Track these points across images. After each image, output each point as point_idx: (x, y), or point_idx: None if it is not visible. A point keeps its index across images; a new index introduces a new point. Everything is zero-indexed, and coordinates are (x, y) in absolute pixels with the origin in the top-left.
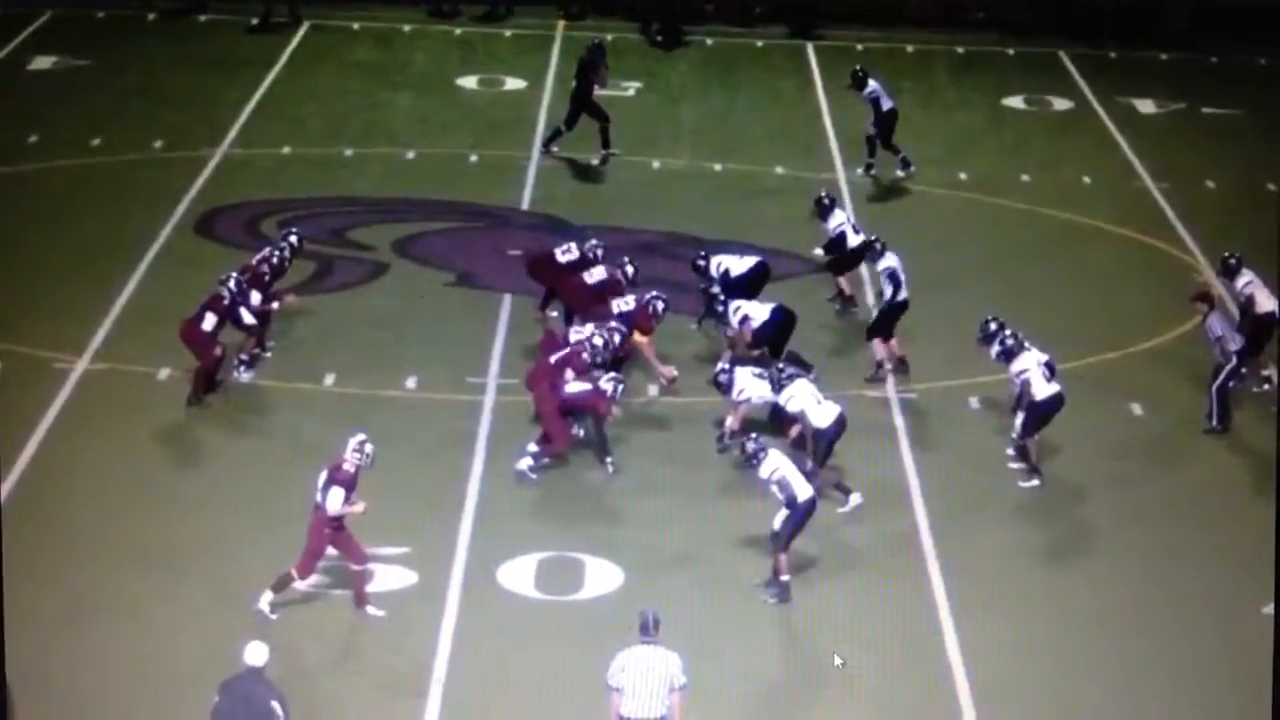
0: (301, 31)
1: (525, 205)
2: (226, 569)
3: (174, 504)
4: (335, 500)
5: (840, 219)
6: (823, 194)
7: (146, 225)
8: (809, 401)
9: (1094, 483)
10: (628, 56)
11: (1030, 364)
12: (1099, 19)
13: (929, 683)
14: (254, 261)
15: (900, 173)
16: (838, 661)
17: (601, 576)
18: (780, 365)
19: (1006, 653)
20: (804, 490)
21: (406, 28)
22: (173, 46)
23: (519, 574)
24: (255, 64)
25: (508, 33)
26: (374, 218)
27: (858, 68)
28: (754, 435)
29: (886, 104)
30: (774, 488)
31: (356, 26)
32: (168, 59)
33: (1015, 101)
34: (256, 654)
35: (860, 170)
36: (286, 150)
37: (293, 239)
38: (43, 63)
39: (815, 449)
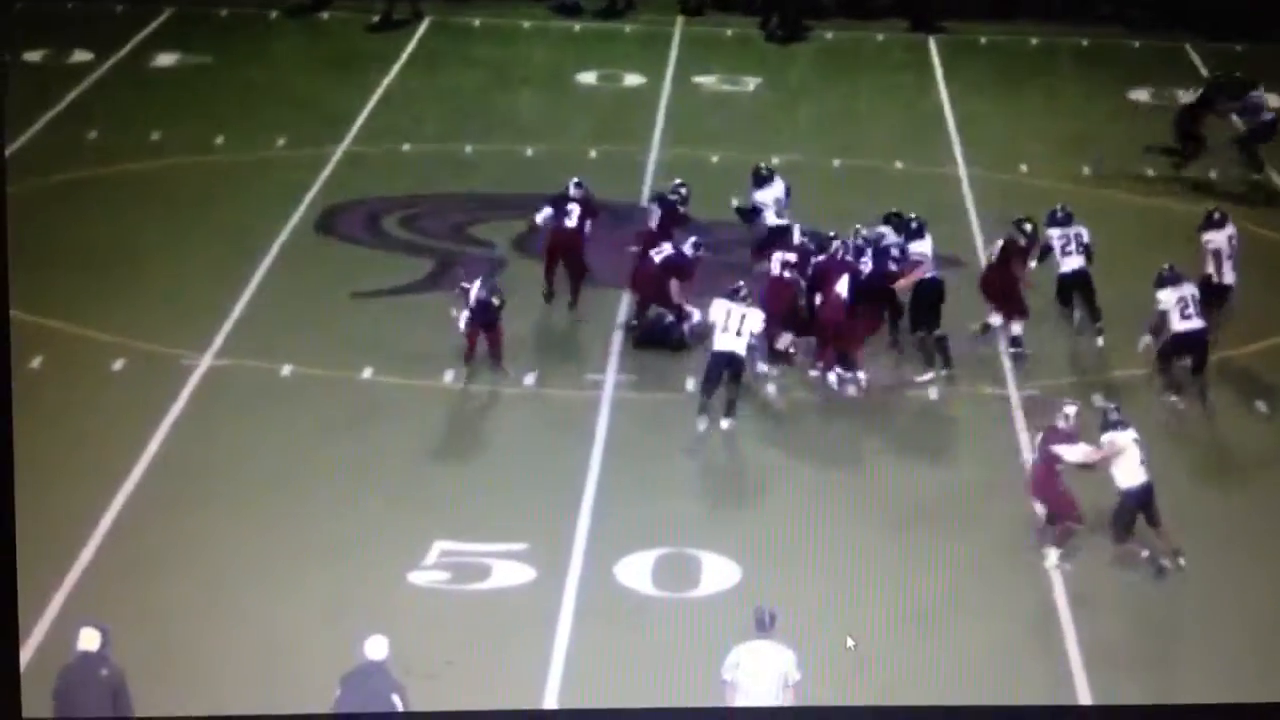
0: (422, 28)
1: (645, 201)
2: (349, 565)
3: (298, 501)
4: (1075, 454)
5: (777, 191)
6: (761, 165)
7: (269, 222)
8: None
9: (1218, 479)
10: (747, 51)
11: (1170, 301)
12: (1226, 11)
13: (1046, 667)
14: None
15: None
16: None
17: (719, 573)
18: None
19: (1121, 649)
20: (1138, 474)
21: (526, 24)
22: (294, 43)
23: (636, 570)
24: (376, 61)
25: (627, 28)
26: (494, 214)
27: (1241, 75)
28: (1115, 405)
29: (1267, 116)
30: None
31: (477, 23)
32: (289, 56)
33: (1141, 95)
34: (377, 648)
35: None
36: (407, 147)
37: (683, 190)
38: (165, 60)
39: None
